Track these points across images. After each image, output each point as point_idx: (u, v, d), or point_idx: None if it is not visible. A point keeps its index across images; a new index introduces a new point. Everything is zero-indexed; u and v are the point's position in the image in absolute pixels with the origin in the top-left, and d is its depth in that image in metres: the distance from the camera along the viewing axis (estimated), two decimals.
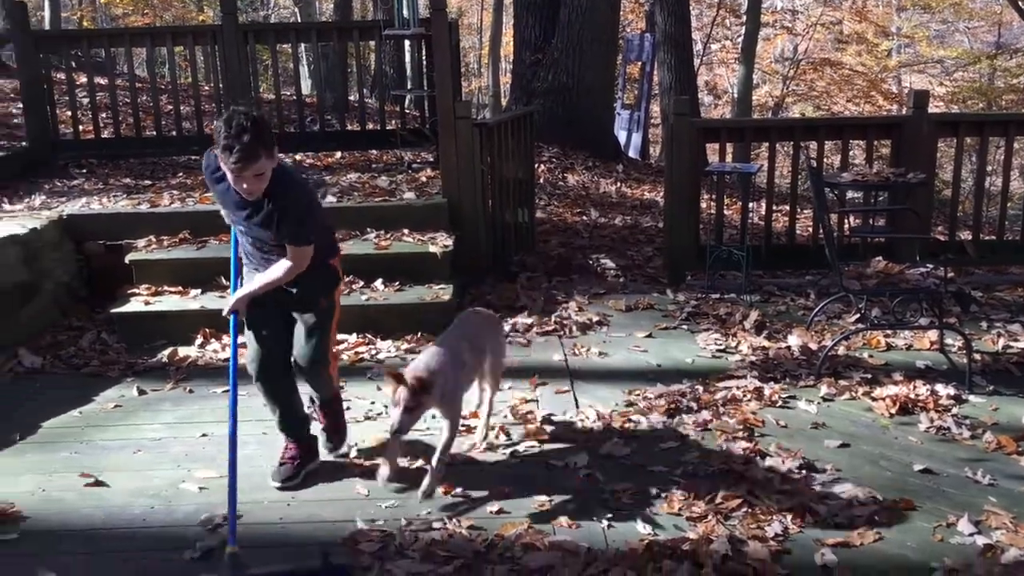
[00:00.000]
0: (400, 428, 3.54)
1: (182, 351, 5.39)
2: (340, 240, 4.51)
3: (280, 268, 3.68)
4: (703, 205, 7.40)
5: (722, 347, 5.46)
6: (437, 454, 3.73)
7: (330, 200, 6.65)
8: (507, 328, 5.83)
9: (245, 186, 3.45)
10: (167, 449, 4.22)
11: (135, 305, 5.73)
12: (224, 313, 3.82)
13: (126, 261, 6.00)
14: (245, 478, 3.87)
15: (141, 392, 4.88)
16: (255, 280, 3.76)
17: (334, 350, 4.12)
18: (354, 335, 5.57)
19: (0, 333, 5.40)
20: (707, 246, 6.89)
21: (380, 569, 3.21)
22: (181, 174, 7.88)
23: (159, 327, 5.59)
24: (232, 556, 3.17)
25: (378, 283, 5.94)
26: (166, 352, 5.38)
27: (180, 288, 5.90)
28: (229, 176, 3.45)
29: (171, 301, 5.80)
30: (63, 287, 6.06)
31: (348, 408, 4.41)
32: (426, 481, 3.68)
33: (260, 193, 3.52)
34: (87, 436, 4.38)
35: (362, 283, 5.95)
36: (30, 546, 3.44)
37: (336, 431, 4.17)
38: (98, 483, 3.90)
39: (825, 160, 9.55)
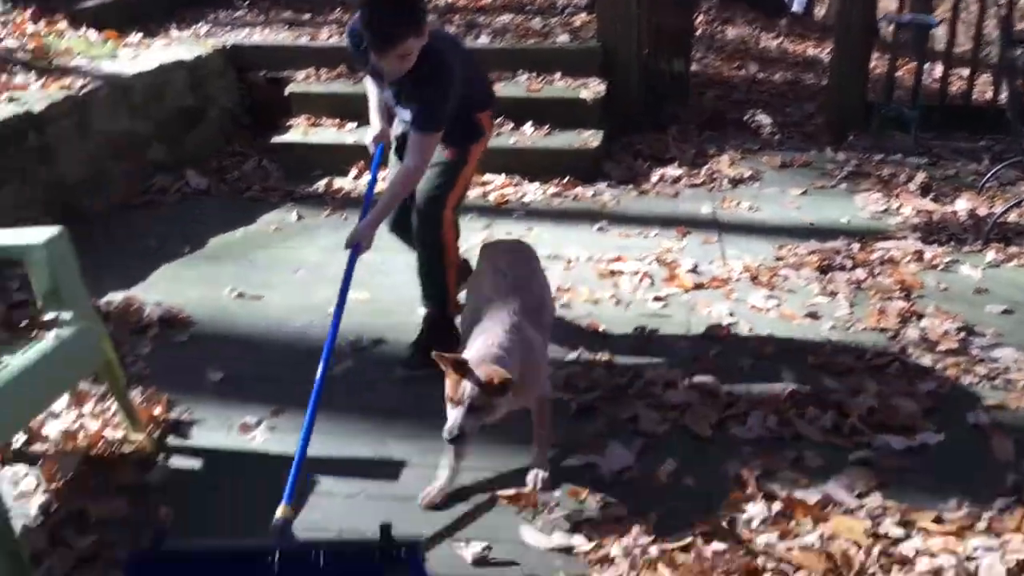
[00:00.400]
0: (461, 434, 2.56)
1: (337, 182, 5.54)
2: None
3: (401, 177, 3.19)
4: (871, 64, 6.97)
5: (883, 208, 5.22)
6: (536, 452, 2.92)
7: (483, 41, 6.58)
8: (655, 178, 5.74)
9: (387, 67, 3.04)
10: (323, 271, 4.39)
11: (294, 136, 5.90)
12: (345, 246, 3.21)
13: (285, 93, 6.14)
14: (397, 301, 4.05)
15: (299, 217, 5.08)
16: (379, 204, 3.22)
17: (452, 216, 3.51)
18: (501, 176, 5.58)
19: (169, 155, 5.67)
20: (874, 104, 6.52)
21: None
22: (339, 9, 7.92)
23: (316, 158, 5.74)
24: (284, 522, 2.36)
25: (527, 126, 5.89)
26: (322, 182, 5.55)
27: (337, 121, 6.02)
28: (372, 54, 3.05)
29: (328, 133, 5.93)
30: (227, 114, 6.27)
31: None
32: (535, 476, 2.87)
33: (403, 73, 3.07)
34: (250, 254, 4.60)
35: (511, 125, 5.92)
36: (199, 349, 3.69)
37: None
38: (260, 297, 4.12)
39: (1017, 16, 8.78)
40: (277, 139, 5.88)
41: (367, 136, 3.56)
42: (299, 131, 5.94)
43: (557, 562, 2.50)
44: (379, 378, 3.46)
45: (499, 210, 5.21)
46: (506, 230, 4.87)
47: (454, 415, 2.58)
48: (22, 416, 2.60)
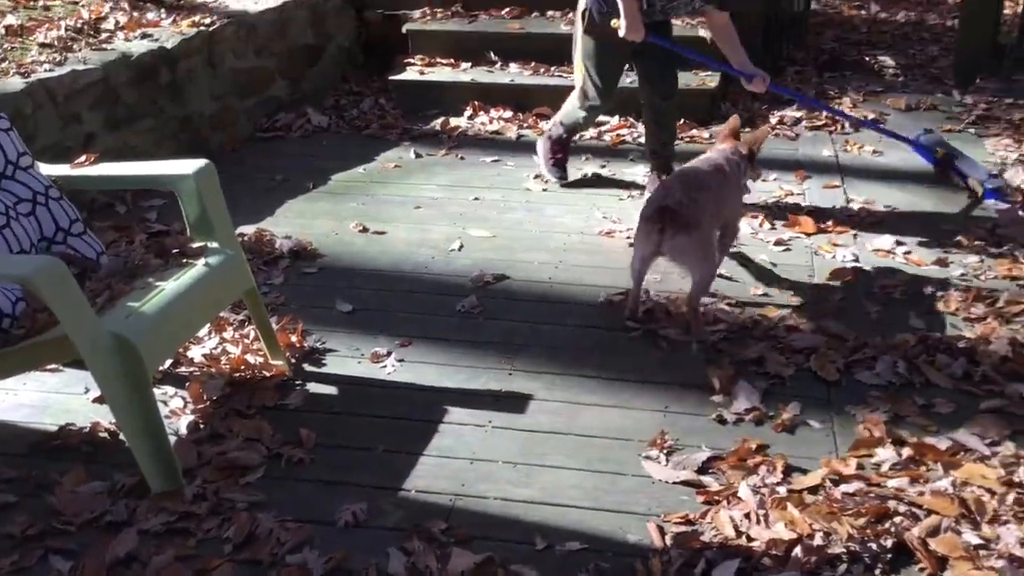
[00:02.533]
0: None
1: (453, 121, 5.59)
2: None
3: (733, 31, 4.27)
4: (1004, 2, 6.65)
5: (1015, 154, 5.02)
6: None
7: None
8: (774, 120, 5.63)
9: None
10: (443, 208, 4.47)
11: (410, 74, 5.95)
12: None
13: (402, 31, 6.19)
14: (516, 240, 4.10)
15: (417, 155, 5.15)
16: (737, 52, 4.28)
17: None
18: (616, 117, 5.55)
19: (291, 92, 5.80)
20: (1007, 44, 6.23)
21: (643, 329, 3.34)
22: None
23: (432, 96, 5.79)
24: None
25: None
26: (439, 121, 5.59)
27: (452, 60, 6.05)
28: None
29: (443, 72, 5.97)
30: (344, 52, 6.36)
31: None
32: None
33: None
34: (371, 190, 4.70)
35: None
36: (327, 280, 3.80)
37: None
38: (383, 232, 4.22)
39: None
40: (394, 77, 5.94)
41: (630, 32, 4.05)
42: (415, 70, 5.99)
43: (684, 497, 2.54)
44: (502, 313, 3.52)
45: (614, 151, 5.19)
46: (621, 170, 4.87)
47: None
48: (178, 338, 2.75)
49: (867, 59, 7.05)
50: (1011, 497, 2.43)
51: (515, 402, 2.98)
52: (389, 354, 3.24)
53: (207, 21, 5.18)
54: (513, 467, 2.68)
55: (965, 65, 6.34)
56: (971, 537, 2.30)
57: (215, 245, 2.86)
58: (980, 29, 6.24)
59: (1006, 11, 6.32)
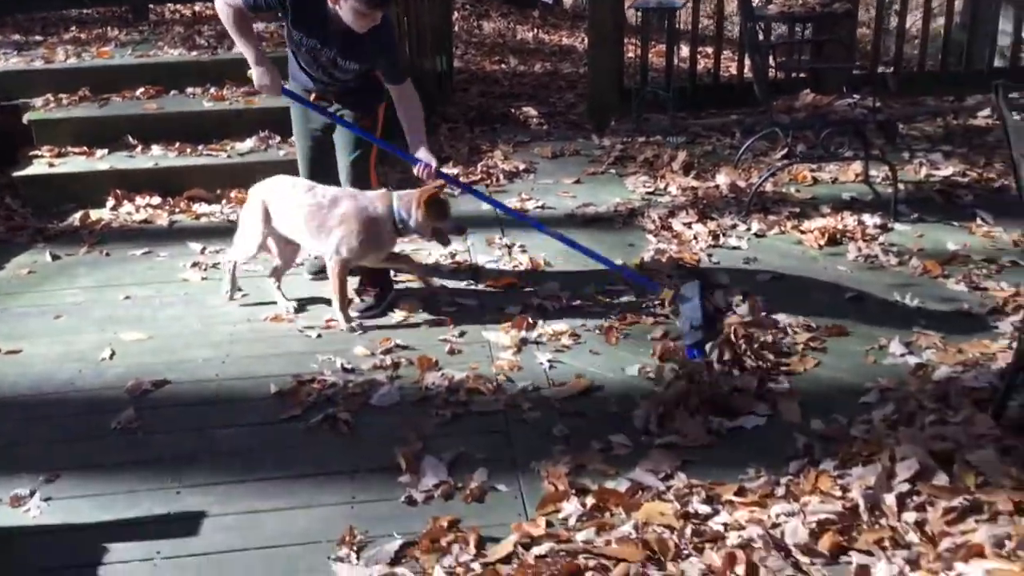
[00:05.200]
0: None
1: (94, 214, 5.13)
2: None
3: (419, 111, 3.88)
4: (625, 49, 7.23)
5: (651, 189, 5.43)
6: None
7: None
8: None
9: (361, 24, 3.52)
10: (88, 313, 4.05)
11: (39, 167, 5.42)
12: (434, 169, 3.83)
13: (24, 121, 5.63)
14: (175, 338, 3.80)
15: (55, 257, 4.65)
16: (416, 133, 3.86)
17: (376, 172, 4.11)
18: None
19: None
20: (631, 89, 6.77)
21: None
22: (74, 28, 7.37)
23: (67, 190, 5.29)
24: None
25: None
26: (77, 215, 5.11)
27: (85, 148, 5.58)
28: (349, 15, 3.48)
29: (77, 162, 5.48)
30: None
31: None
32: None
33: (366, 29, 3.57)
34: (2, 304, 4.17)
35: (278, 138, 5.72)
36: None
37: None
38: (17, 351, 3.74)
39: None
40: (19, 173, 5.36)
41: (264, 79, 3.81)
42: (44, 162, 5.46)
43: None
44: (165, 424, 3.21)
45: None
46: None
47: None
48: None
49: (513, 111, 7.38)
50: (688, 530, 2.52)
51: (185, 524, 2.69)
52: (33, 494, 2.83)
53: None
54: None
55: (598, 110, 6.81)
56: None
57: None
58: (606, 75, 6.74)
59: (628, 55, 6.85)
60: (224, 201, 5.31)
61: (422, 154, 3.81)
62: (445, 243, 3.94)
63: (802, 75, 6.60)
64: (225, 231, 4.92)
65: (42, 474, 2.92)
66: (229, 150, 5.63)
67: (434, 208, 3.71)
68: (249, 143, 5.69)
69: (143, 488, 2.86)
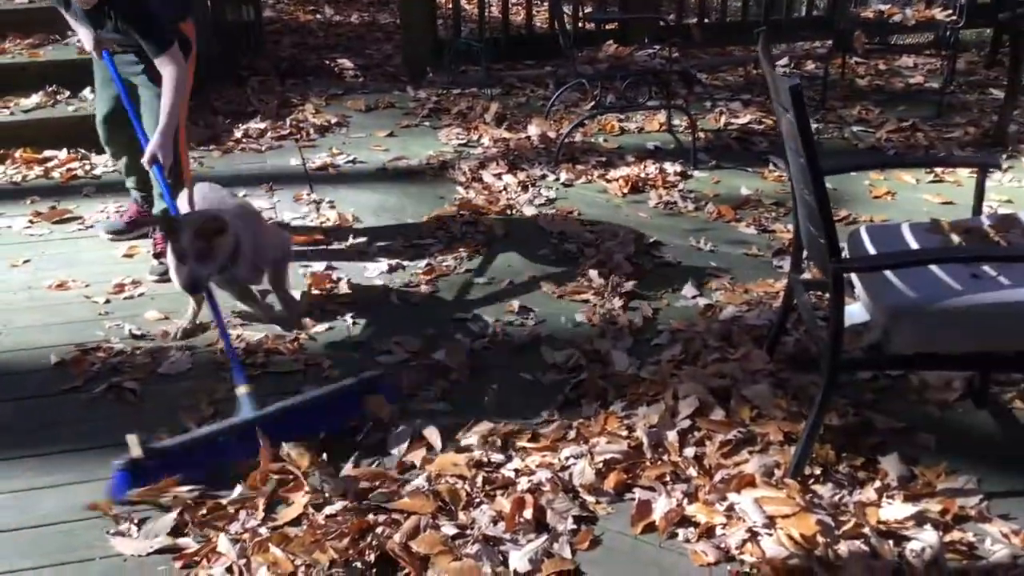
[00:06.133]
0: (197, 283, 2.97)
1: None
2: None
3: (176, 84, 3.33)
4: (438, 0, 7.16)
5: (464, 141, 5.41)
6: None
7: None
8: (239, 135, 5.50)
9: None
10: None
11: None
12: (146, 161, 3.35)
13: None
14: None
15: None
16: (165, 115, 3.33)
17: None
18: (64, 151, 5.07)
19: None
20: (446, 40, 6.71)
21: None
22: None
23: None
24: (250, 396, 2.75)
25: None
26: None
27: None
28: None
29: None
30: None
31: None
32: None
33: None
34: None
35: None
36: None
37: None
38: None
39: None
40: None
41: (88, 44, 3.57)
42: None
43: (161, 567, 2.31)
44: None
45: (65, 188, 4.71)
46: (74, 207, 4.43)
47: (184, 270, 2.95)
48: None
49: (327, 63, 7.19)
50: (480, 478, 2.54)
51: None
52: None
53: None
54: None
55: (413, 62, 6.72)
56: (449, 529, 2.36)
57: None
58: (419, 26, 6.65)
59: (442, 5, 6.78)
60: (8, 162, 4.97)
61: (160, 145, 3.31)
62: None
63: (611, 26, 6.72)
64: (11, 195, 4.63)
65: None
66: (12, 107, 5.26)
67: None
68: (35, 99, 5.33)
69: None
